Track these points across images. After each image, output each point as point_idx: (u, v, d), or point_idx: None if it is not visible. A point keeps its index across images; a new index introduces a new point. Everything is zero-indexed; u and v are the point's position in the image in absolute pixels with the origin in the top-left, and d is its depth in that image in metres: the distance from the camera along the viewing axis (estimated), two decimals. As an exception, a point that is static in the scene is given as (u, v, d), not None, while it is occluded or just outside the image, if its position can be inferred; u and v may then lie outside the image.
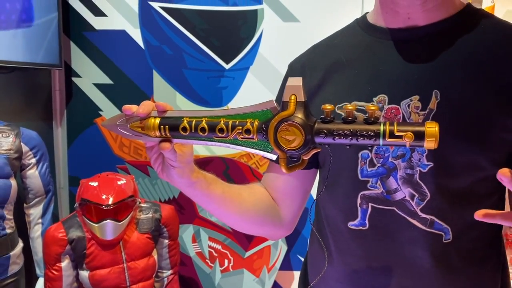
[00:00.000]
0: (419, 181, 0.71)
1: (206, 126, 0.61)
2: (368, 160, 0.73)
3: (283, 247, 2.20)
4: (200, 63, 2.16)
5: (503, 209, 0.76)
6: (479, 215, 0.55)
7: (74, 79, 2.23)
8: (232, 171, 2.16)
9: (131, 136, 0.66)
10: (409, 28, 0.74)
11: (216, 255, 2.23)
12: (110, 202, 1.58)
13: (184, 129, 0.62)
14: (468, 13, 0.75)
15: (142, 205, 1.74)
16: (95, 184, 1.63)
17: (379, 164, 0.73)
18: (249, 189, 0.85)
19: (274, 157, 0.61)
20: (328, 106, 0.57)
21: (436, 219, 0.71)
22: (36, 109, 2.21)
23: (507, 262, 0.83)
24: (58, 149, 2.27)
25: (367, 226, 0.73)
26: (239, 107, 0.61)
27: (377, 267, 0.73)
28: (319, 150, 0.59)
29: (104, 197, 1.59)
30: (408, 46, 0.74)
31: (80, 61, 2.21)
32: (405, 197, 0.71)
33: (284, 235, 0.90)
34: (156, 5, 2.13)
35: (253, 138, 0.60)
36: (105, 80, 2.21)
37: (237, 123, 0.60)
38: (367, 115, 0.55)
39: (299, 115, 0.57)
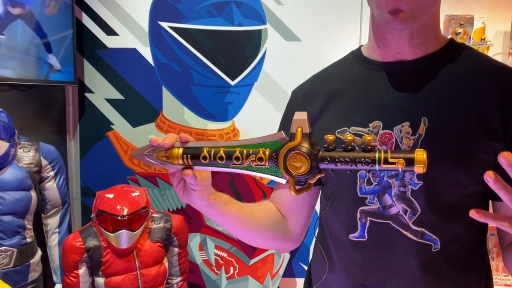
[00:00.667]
0: (411, 197, 0.79)
1: (223, 154, 0.69)
2: (366, 179, 0.82)
3: (286, 255, 2.30)
4: (207, 80, 2.27)
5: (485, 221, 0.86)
6: (474, 213, 0.61)
7: (87, 94, 2.33)
8: (237, 183, 2.25)
9: (157, 164, 0.74)
10: (398, 61, 0.84)
11: (222, 262, 2.33)
12: (125, 213, 1.68)
13: (204, 157, 0.70)
14: (451, 48, 0.85)
15: (154, 215, 1.83)
16: (110, 196, 1.72)
17: (376, 183, 0.82)
18: (260, 207, 0.94)
19: (284, 181, 0.69)
20: (330, 137, 0.66)
21: (426, 231, 0.80)
22: (51, 123, 2.31)
23: (491, 269, 0.93)
24: (71, 161, 2.37)
25: (366, 237, 0.82)
26: (252, 138, 0.71)
27: (374, 274, 0.83)
28: (323, 175, 0.68)
29: (119, 208, 1.69)
30: (398, 78, 0.83)
31: (92, 77, 2.32)
32: (399, 211, 0.80)
33: (292, 247, 0.98)
34: (165, 25, 2.25)
35: (265, 165, 0.68)
36: (117, 95, 2.32)
37: (251, 152, 0.68)
38: (364, 144, 0.64)
39: (305, 145, 0.65)
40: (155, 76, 2.29)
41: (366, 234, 0.82)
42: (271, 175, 0.69)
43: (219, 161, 0.70)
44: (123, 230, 1.68)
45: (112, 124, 2.33)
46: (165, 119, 2.32)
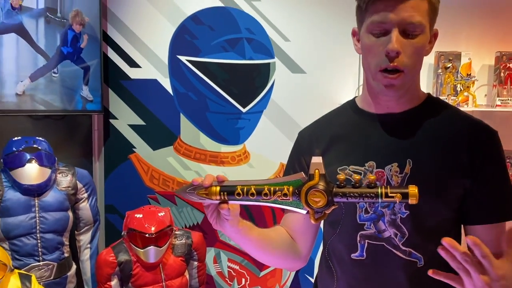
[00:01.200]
0: (400, 224, 0.98)
1: (254, 191, 0.85)
2: (364, 208, 1.01)
3: (293, 267, 2.50)
4: (220, 107, 2.50)
5: (459, 240, 1.03)
6: (431, 272, 0.83)
7: (111, 120, 2.55)
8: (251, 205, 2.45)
9: (197, 200, 0.89)
10: (388, 114, 1.02)
11: (234, 274, 2.54)
12: (152, 231, 1.89)
13: (238, 194, 0.86)
14: (430, 103, 1.04)
15: (177, 232, 2.04)
16: (140, 216, 1.94)
17: (372, 212, 1.01)
18: (274, 231, 1.11)
19: (304, 212, 0.85)
20: (341, 177, 0.83)
21: (413, 251, 0.98)
22: (78, 147, 2.53)
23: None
24: (96, 181, 2.56)
25: (365, 256, 1.01)
26: (278, 177, 0.90)
27: (371, 286, 1.01)
28: (336, 207, 0.83)
29: (147, 226, 1.90)
30: (388, 126, 1.01)
31: (117, 105, 2.54)
32: (390, 235, 0.99)
33: (301, 266, 1.15)
34: (183, 59, 2.48)
35: (289, 199, 0.84)
36: (139, 121, 2.55)
37: (277, 189, 0.85)
38: (368, 182, 0.83)
39: (322, 183, 0.82)
40: (174, 104, 2.52)
41: (364, 253, 1.02)
42: (294, 207, 0.86)
43: (251, 197, 0.86)
44: (151, 246, 1.89)
45: (134, 148, 2.55)
46: (182, 143, 2.54)
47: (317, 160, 0.84)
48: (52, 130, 2.27)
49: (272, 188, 0.85)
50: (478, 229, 0.96)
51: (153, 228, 1.90)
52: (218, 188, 0.87)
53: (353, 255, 1.03)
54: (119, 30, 2.51)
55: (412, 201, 0.79)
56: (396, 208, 0.98)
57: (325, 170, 0.85)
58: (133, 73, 2.52)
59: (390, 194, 0.80)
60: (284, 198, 0.85)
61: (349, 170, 1.01)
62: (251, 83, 2.45)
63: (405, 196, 0.79)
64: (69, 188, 1.97)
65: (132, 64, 2.52)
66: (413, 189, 0.79)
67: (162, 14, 2.47)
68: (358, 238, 1.01)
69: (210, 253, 2.53)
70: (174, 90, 2.51)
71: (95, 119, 2.56)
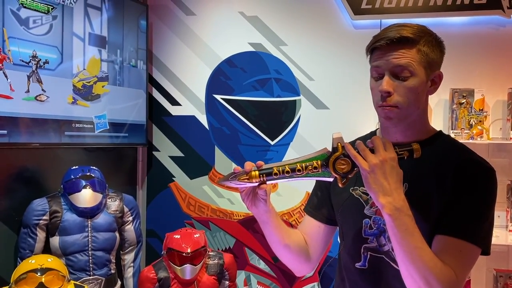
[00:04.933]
0: None
1: (289, 169, 0.98)
2: (368, 225, 1.14)
3: (318, 291, 2.64)
4: (251, 140, 2.73)
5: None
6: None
7: (154, 152, 2.84)
8: None
9: (239, 185, 1.01)
10: (397, 143, 1.09)
11: (263, 296, 2.69)
12: (189, 251, 2.10)
13: (276, 174, 0.99)
14: (436, 138, 1.11)
15: (210, 253, 2.24)
16: (178, 236, 2.16)
17: (375, 228, 1.14)
18: (294, 230, 1.20)
19: (331, 179, 0.99)
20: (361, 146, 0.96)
21: None
22: (124, 176, 2.81)
23: None
24: (139, 207, 2.75)
25: (367, 266, 1.15)
26: (305, 155, 0.99)
27: None
28: (357, 170, 0.96)
29: (184, 246, 2.12)
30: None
31: (159, 138, 2.83)
32: (389, 249, 1.12)
33: (307, 272, 1.27)
34: (218, 97, 2.75)
35: (319, 171, 0.98)
36: (178, 153, 2.82)
37: (307, 164, 0.98)
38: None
39: (346, 153, 0.97)
40: (209, 138, 2.78)
41: (367, 264, 1.16)
42: (323, 177, 1.00)
43: (286, 175, 0.99)
44: (187, 265, 2.10)
45: (174, 177, 2.81)
46: (216, 172, 2.78)
47: (338, 135, 1.00)
48: (103, 161, 2.56)
49: (303, 164, 0.98)
50: (436, 238, 1.05)
51: (189, 248, 2.11)
52: (257, 172, 1.00)
53: (357, 264, 1.18)
54: (162, 73, 2.83)
55: (417, 154, 0.99)
56: None
57: (341, 190, 1.03)
58: (174, 110, 2.81)
59: (399, 153, 0.99)
60: (315, 170, 0.99)
61: (359, 190, 1.16)
62: (279, 118, 2.67)
63: (411, 152, 1.00)
64: (117, 212, 2.23)
65: (173, 102, 2.81)
66: (416, 146, 1.00)
67: (200, 58, 2.78)
68: (362, 250, 1.16)
69: (241, 275, 2.70)
70: (210, 125, 2.76)
71: (140, 151, 2.85)
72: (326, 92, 2.63)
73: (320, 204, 1.23)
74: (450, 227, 1.04)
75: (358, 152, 0.97)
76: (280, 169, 0.99)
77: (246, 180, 1.00)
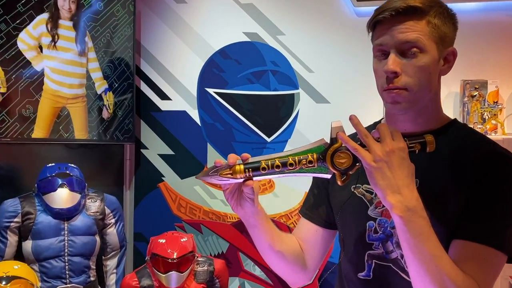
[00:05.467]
0: None
1: (279, 163, 0.85)
2: (373, 228, 1.00)
3: (318, 300, 2.45)
4: (246, 137, 2.56)
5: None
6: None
7: (142, 150, 2.66)
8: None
9: (221, 181, 0.88)
10: (406, 133, 0.96)
11: (259, 305, 2.50)
12: (175, 256, 1.92)
13: (264, 168, 0.85)
14: (451, 126, 1.01)
15: (199, 259, 2.07)
16: (163, 241, 1.98)
17: (381, 232, 1.00)
18: (287, 235, 1.08)
19: (329, 176, 0.85)
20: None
21: None
22: (110, 175, 2.64)
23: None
24: (126, 209, 2.65)
25: (371, 276, 1.00)
26: (298, 147, 0.86)
27: None
28: (360, 166, 0.83)
29: (170, 252, 1.94)
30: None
31: (147, 135, 2.65)
32: (397, 256, 0.97)
33: (304, 282, 1.12)
34: (211, 91, 2.58)
35: (314, 166, 0.84)
36: (168, 151, 2.64)
37: (301, 157, 0.85)
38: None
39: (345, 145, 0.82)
40: (201, 134, 2.60)
41: (371, 273, 1.01)
42: (319, 173, 0.86)
43: (276, 169, 0.85)
44: (173, 272, 1.92)
45: (163, 176, 2.63)
46: (209, 172, 2.59)
47: (337, 124, 0.85)
48: (87, 159, 2.40)
49: (296, 158, 0.86)
50: (454, 243, 0.91)
51: (175, 254, 1.94)
52: (242, 166, 0.87)
53: (360, 275, 1.03)
54: (151, 65, 2.65)
55: (430, 148, 0.83)
56: None
57: (341, 188, 0.88)
58: (163, 105, 2.64)
59: (410, 145, 0.84)
60: (309, 165, 0.85)
61: (362, 189, 1.02)
62: (276, 113, 2.50)
63: (423, 144, 0.83)
64: (97, 213, 2.06)
65: (163, 96, 2.64)
66: (429, 137, 0.83)
67: (192, 49, 2.60)
68: (366, 258, 1.01)
69: (235, 283, 2.52)
70: (202, 121, 2.60)
71: (127, 149, 2.68)
72: (326, 85, 2.46)
73: (318, 205, 1.11)
74: (470, 230, 0.90)
75: (360, 144, 0.83)
76: (269, 163, 0.86)
77: (229, 176, 0.88)
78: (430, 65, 0.94)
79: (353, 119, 0.84)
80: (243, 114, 2.54)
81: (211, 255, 2.54)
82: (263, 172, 0.86)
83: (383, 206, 0.84)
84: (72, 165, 2.07)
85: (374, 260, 1.01)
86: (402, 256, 0.98)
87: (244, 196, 0.92)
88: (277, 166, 0.85)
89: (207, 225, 2.57)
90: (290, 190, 2.47)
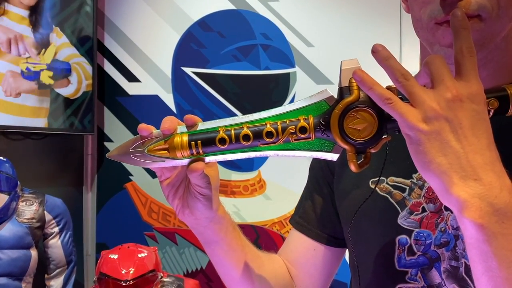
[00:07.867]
0: (464, 276, 0.62)
1: (249, 132, 0.52)
2: (406, 246, 0.66)
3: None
4: (231, 127, 2.19)
5: None
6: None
7: (106, 143, 2.33)
8: (263, 241, 2.12)
9: (150, 163, 0.56)
10: None
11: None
12: (129, 278, 1.54)
13: (223, 140, 0.53)
14: None
15: (164, 279, 1.67)
16: (115, 256, 1.60)
17: (420, 253, 0.65)
18: (268, 256, 0.78)
19: (335, 156, 0.54)
20: (393, 86, 0.50)
21: None
22: (67, 174, 2.30)
23: None
24: (87, 214, 2.33)
25: None
26: (287, 105, 0.54)
27: None
28: (389, 139, 0.52)
29: (123, 272, 1.56)
30: None
31: (113, 126, 2.33)
32: None
33: None
34: (189, 71, 2.26)
35: (310, 137, 0.52)
36: (136, 144, 2.27)
37: (287, 122, 0.52)
38: None
39: (366, 98, 0.49)
40: (177, 124, 2.24)
41: None
42: (318, 151, 0.54)
43: (244, 142, 0.53)
44: (127, 298, 1.49)
45: (131, 175, 2.31)
46: (186, 169, 2.24)
47: (351, 64, 0.52)
48: (31, 153, 2.03)
49: (279, 123, 0.53)
50: None
51: (130, 274, 1.54)
52: (185, 137, 0.54)
53: None
54: (117, 40, 2.36)
55: None
56: (459, 249, 0.65)
57: (354, 182, 0.67)
58: (131, 89, 2.34)
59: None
60: (301, 135, 0.53)
61: (387, 183, 0.71)
62: (267, 97, 2.23)
63: (503, 100, 0.50)
64: (34, 220, 1.68)
65: (131, 78, 2.35)
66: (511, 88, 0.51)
67: (165, 20, 2.31)
68: None
69: (217, 305, 2.13)
70: (178, 107, 2.30)
71: (89, 142, 2.35)
72: (329, 61, 2.17)
73: (317, 211, 0.82)
74: None
75: (390, 89, 0.50)
76: (233, 131, 0.53)
77: (164, 154, 0.55)
78: None
79: (377, 48, 0.51)
80: (227, 99, 2.25)
81: (187, 271, 2.19)
82: (221, 146, 0.54)
83: (425, 210, 0.61)
84: (2, 157, 1.67)
85: (409, 300, 0.68)
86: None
87: (192, 192, 0.61)
88: (246, 137, 0.53)
89: (183, 234, 2.23)
90: (283, 191, 2.18)
